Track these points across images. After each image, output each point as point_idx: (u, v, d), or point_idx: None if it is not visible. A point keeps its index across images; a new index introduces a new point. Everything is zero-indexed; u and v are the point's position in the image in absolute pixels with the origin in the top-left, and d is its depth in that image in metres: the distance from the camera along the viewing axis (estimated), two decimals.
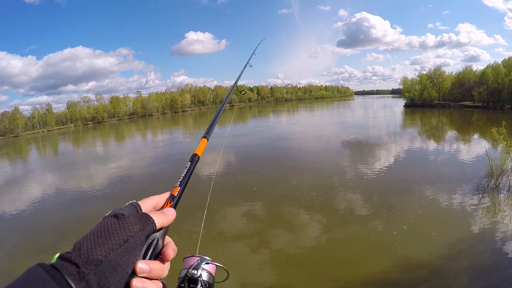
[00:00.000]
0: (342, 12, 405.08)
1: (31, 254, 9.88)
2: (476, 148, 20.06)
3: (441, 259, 7.73)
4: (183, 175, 0.99)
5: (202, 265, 0.88)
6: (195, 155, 1.13)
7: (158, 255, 0.75)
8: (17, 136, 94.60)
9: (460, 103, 65.66)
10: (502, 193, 11.83)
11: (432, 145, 22.82)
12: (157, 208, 0.84)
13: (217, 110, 1.64)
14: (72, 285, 0.55)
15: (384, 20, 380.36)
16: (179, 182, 0.95)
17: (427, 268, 7.42)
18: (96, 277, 0.58)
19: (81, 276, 0.56)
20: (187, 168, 1.03)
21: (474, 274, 7.25)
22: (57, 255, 0.60)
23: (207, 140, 1.31)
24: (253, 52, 4.17)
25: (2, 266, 9.18)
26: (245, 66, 3.64)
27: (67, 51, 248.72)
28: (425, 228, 9.25)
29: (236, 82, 2.70)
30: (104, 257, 0.60)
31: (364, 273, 7.44)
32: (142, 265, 0.67)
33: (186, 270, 0.87)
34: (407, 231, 9.14)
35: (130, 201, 0.79)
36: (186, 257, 0.91)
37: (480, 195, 11.62)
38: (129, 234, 0.66)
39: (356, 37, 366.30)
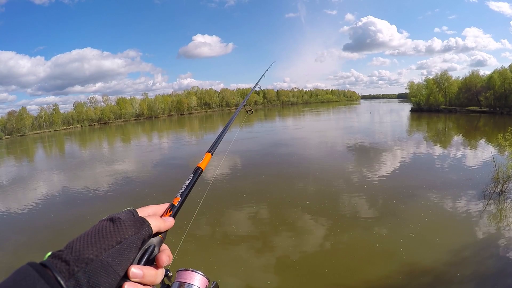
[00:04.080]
0: (349, 16, 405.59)
1: (25, 250, 10.08)
2: (483, 153, 19.89)
3: (446, 265, 7.67)
4: (185, 186, 0.99)
5: (195, 281, 0.85)
6: (198, 168, 1.11)
7: (153, 262, 0.74)
8: (23, 135, 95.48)
9: (466, 108, 65.20)
10: (508, 199, 11.73)
11: (438, 150, 22.66)
12: None
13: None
14: (62, 282, 0.54)
15: (391, 24, 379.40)
16: (180, 193, 0.95)
17: (432, 274, 7.37)
18: (86, 275, 0.57)
19: (71, 274, 0.56)
20: (190, 180, 1.03)
21: (478, 280, 7.19)
22: (49, 253, 0.60)
23: (212, 155, 1.31)
24: (263, 75, 4.22)
25: (5, 261, 9.25)
26: (254, 87, 3.70)
27: (75, 52, 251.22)
28: (431, 235, 9.17)
29: (244, 102, 2.72)
30: (95, 256, 0.60)
31: (368, 279, 7.40)
32: (136, 270, 0.66)
33: (178, 283, 0.85)
34: (413, 238, 9.06)
35: (128, 208, 0.79)
36: (179, 270, 0.89)
37: (486, 201, 11.53)
38: (123, 236, 0.66)
39: (362, 41, 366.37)
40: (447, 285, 7.00)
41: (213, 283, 0.89)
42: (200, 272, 0.87)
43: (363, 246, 8.89)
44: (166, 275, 0.80)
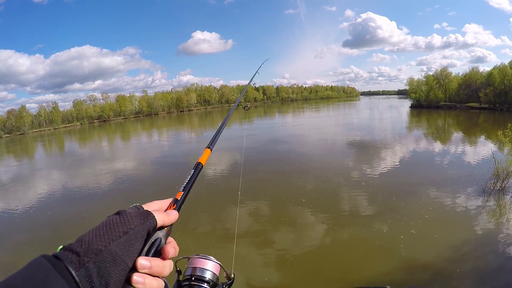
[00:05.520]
0: (349, 13, 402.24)
1: (25, 248, 10.10)
2: (482, 150, 19.91)
3: (446, 261, 7.70)
4: (186, 181, 1.02)
5: (208, 266, 0.90)
6: (199, 163, 1.15)
7: (160, 254, 0.76)
8: (23, 133, 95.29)
9: (466, 104, 65.11)
10: (508, 195, 11.76)
11: (438, 147, 22.68)
12: None
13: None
14: (72, 272, 0.57)
15: (391, 20, 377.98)
16: (182, 187, 0.98)
17: (432, 270, 7.40)
18: (96, 265, 0.60)
19: (81, 264, 0.59)
20: (191, 175, 1.06)
21: (478, 276, 7.22)
22: (61, 246, 0.63)
23: (211, 150, 1.33)
24: (257, 71, 4.25)
25: (7, 259, 9.29)
26: (249, 83, 3.72)
27: (74, 50, 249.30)
28: (431, 231, 9.20)
29: (240, 98, 2.72)
30: (104, 246, 0.62)
31: (368, 275, 7.44)
32: (143, 261, 0.69)
33: (191, 269, 0.89)
34: (414, 235, 9.08)
35: (134, 204, 0.81)
36: (191, 257, 0.93)
37: (486, 198, 11.57)
38: (129, 227, 0.68)
39: (362, 38, 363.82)
40: (447, 281, 7.02)
41: (230, 273, 0.93)
42: (212, 258, 0.90)
43: (363, 243, 8.92)
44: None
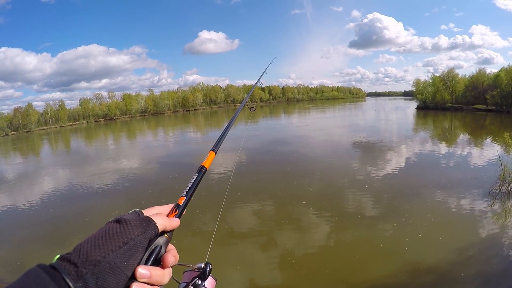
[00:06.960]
0: (355, 13, 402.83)
1: (28, 245, 10.09)
2: (489, 152, 19.74)
3: (450, 264, 7.66)
4: (189, 186, 0.99)
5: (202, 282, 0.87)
6: (202, 167, 1.11)
7: (160, 262, 0.74)
8: (29, 131, 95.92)
9: (473, 106, 64.49)
10: None
11: (444, 149, 22.50)
12: None
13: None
14: (70, 284, 0.56)
15: (398, 21, 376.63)
16: (185, 192, 0.95)
17: (436, 273, 7.35)
18: (94, 277, 0.58)
19: (79, 276, 0.57)
20: (194, 179, 1.03)
21: (482, 280, 7.17)
22: (58, 256, 0.61)
23: (215, 153, 1.31)
24: (264, 71, 4.25)
25: (10, 256, 9.35)
26: (256, 83, 3.71)
27: (81, 49, 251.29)
28: (436, 234, 9.14)
29: (246, 98, 2.73)
30: (102, 257, 0.61)
31: (371, 278, 7.40)
32: (143, 271, 0.67)
33: (185, 283, 0.87)
34: (420, 238, 9.02)
35: (134, 209, 0.79)
36: (185, 271, 0.91)
37: (491, 201, 11.46)
38: (130, 237, 0.67)
39: (368, 38, 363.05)
40: (451, 284, 6.98)
41: (207, 264, 0.89)
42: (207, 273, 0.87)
43: (367, 245, 8.87)
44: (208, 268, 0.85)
